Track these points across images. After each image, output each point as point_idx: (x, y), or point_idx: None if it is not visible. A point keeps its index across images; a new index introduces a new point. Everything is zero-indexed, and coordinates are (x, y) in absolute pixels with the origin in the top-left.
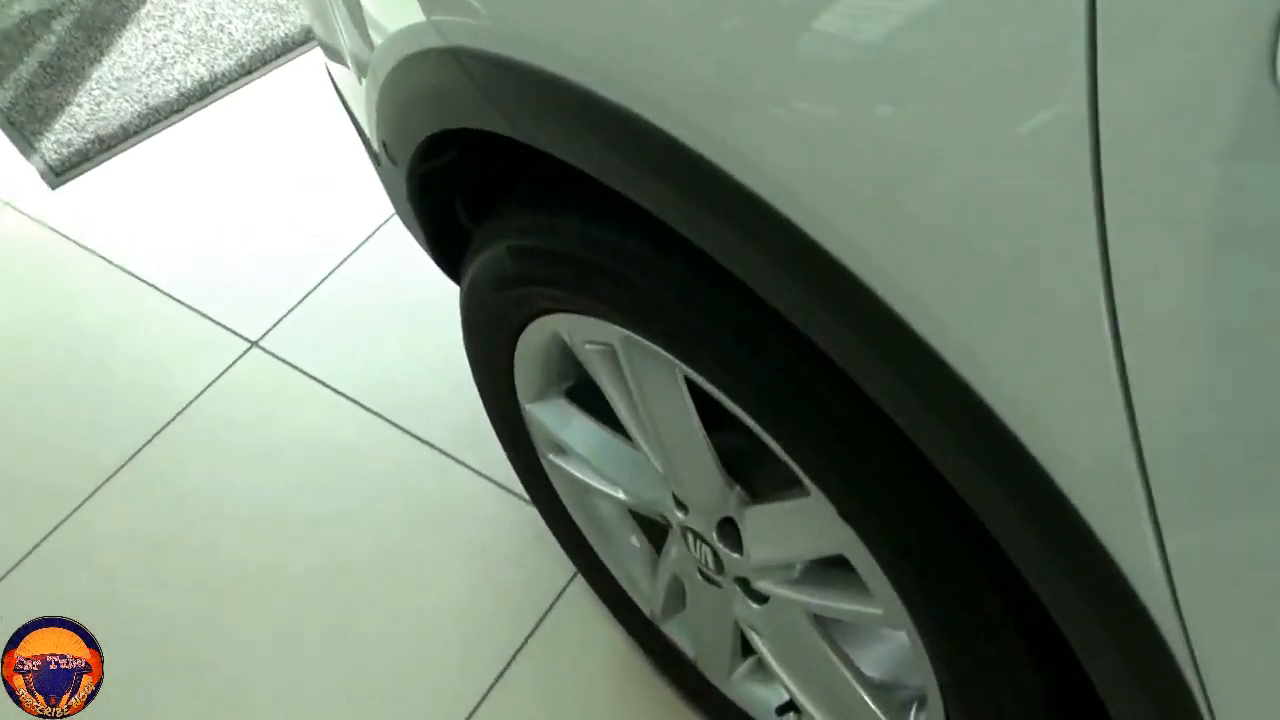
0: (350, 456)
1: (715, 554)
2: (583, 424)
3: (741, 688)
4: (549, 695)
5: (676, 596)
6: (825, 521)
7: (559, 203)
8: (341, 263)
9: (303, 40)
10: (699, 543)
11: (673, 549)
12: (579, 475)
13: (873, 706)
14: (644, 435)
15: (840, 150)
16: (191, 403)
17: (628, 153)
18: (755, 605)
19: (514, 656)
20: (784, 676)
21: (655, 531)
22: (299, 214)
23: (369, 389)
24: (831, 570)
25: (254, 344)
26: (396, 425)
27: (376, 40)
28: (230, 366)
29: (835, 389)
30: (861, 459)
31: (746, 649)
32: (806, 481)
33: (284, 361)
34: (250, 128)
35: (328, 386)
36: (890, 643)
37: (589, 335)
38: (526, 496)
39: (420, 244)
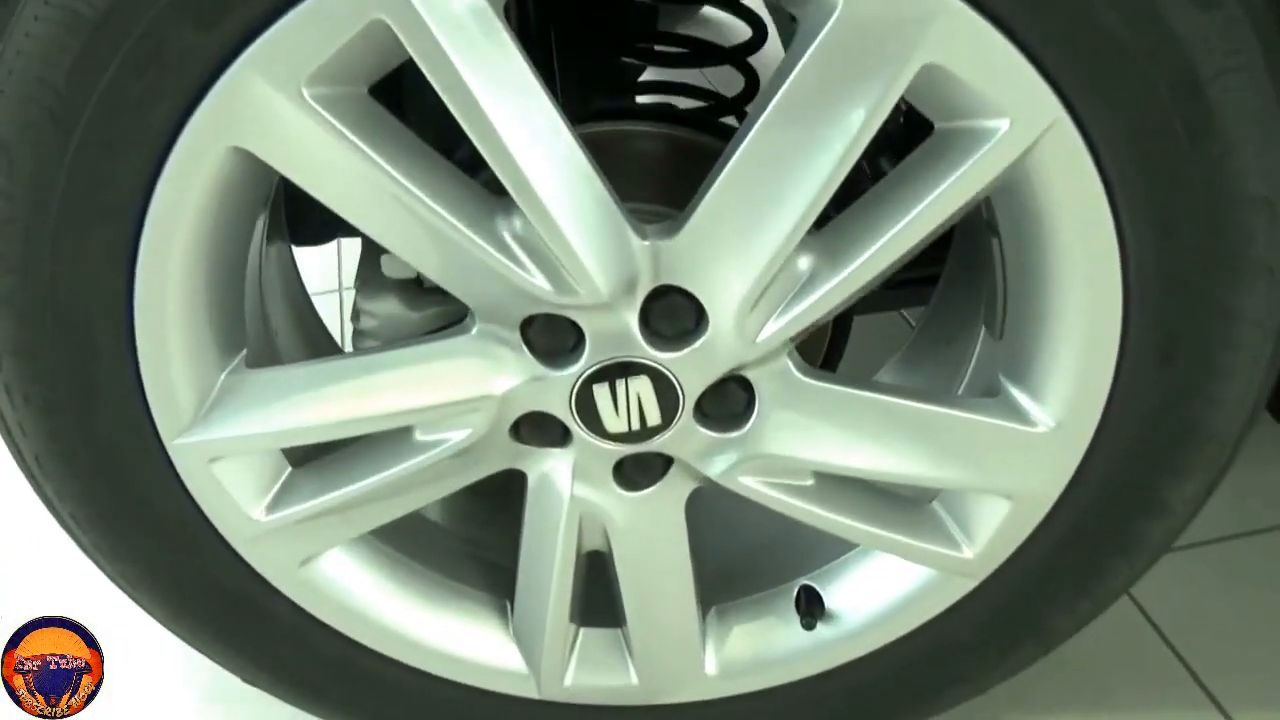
0: None
1: (660, 380)
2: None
3: (732, 649)
4: None
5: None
6: None
7: None
8: None
9: None
10: (618, 389)
11: (561, 486)
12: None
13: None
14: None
15: None
16: None
17: None
18: (748, 420)
19: None
20: (829, 515)
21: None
22: None
23: None
24: None
25: None
26: None
27: None
28: None
29: None
30: None
31: None
32: None
33: None
34: None
35: None
36: None
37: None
38: None
39: None
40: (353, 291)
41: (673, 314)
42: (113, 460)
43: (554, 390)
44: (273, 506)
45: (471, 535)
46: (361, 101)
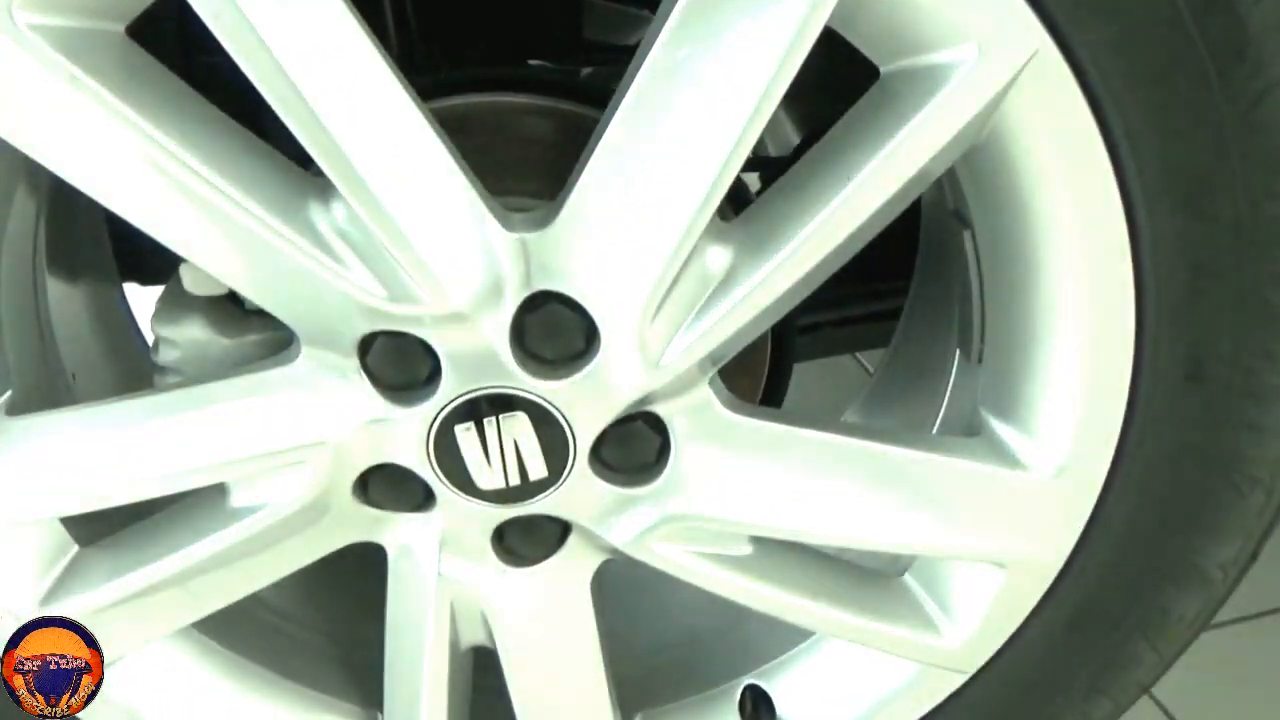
0: None
1: (543, 419)
2: None
3: None
4: None
5: None
6: None
7: None
8: None
9: None
10: (488, 432)
11: (425, 561)
12: None
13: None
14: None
15: None
16: None
17: None
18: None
19: None
20: (770, 592)
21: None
22: None
23: None
24: None
25: None
26: None
27: None
28: None
29: None
30: None
31: None
32: None
33: None
34: None
35: None
36: None
37: None
38: None
39: None
40: None
41: (553, 329)
42: None
43: (405, 435)
44: (51, 598)
45: (335, 630)
46: (115, 43)
